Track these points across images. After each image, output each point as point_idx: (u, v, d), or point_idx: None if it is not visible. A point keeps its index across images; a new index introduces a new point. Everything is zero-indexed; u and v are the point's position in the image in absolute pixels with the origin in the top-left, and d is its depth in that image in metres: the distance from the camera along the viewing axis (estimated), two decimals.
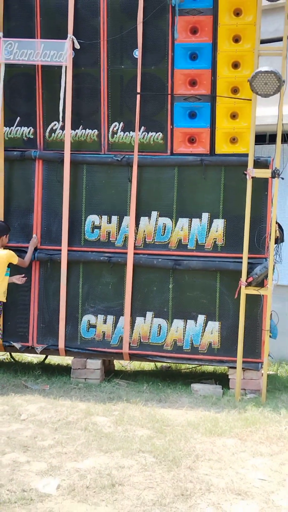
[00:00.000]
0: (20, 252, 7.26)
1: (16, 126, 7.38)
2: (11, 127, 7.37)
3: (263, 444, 5.33)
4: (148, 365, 8.22)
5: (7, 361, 8.22)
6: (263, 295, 6.75)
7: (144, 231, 7.12)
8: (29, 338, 7.33)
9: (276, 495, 4.37)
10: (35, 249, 7.32)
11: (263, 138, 7.33)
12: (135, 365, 8.20)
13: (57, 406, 6.26)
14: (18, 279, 7.00)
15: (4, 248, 6.97)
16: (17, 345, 7.34)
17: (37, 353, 7.52)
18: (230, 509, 4.12)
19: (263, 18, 6.93)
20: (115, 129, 7.17)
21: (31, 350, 7.40)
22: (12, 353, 8.03)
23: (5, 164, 7.30)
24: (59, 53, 7.00)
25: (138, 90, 6.98)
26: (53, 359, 8.26)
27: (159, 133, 7.06)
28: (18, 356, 8.28)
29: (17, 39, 7.09)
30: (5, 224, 7.14)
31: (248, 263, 6.71)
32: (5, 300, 6.89)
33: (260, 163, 6.74)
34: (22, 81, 7.31)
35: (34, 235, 7.22)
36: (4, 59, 7.08)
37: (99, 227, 7.24)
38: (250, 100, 6.68)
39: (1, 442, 5.22)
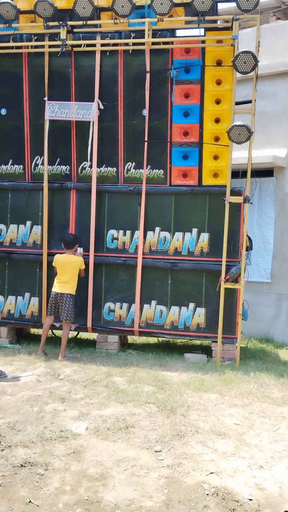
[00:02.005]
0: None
1: (57, 165, 7.39)
2: (53, 166, 7.38)
3: (237, 398, 5.39)
4: (152, 340, 8.19)
5: (50, 336, 8.24)
6: (237, 289, 6.81)
7: (150, 241, 7.14)
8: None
9: (247, 435, 4.47)
10: None
11: (237, 173, 7.38)
12: (143, 339, 8.20)
13: (86, 369, 6.30)
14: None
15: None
16: (57, 324, 7.33)
17: (71, 330, 7.43)
18: (213, 446, 4.22)
19: (237, 86, 7.00)
20: (128, 167, 7.20)
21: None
22: (54, 330, 8.02)
23: (48, 193, 7.32)
24: (88, 112, 7.06)
25: (146, 139, 7.03)
26: (83, 335, 8.27)
27: (161, 170, 7.09)
28: (58, 332, 8.24)
29: (58, 102, 7.15)
30: (75, 236, 7.11)
31: (226, 265, 6.76)
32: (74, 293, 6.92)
33: (235, 192, 6.78)
34: (61, 133, 7.29)
35: (79, 249, 7.17)
36: (49, 117, 7.15)
37: (117, 239, 7.26)
38: (228, 146, 6.73)
39: (45, 395, 5.29)
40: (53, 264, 6.94)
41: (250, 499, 3.46)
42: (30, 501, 3.38)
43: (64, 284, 6.82)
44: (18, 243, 7.48)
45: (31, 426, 4.49)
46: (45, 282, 7.32)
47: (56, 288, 6.84)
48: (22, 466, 3.80)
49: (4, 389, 5.49)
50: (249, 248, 7.09)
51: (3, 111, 7.45)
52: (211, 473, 3.78)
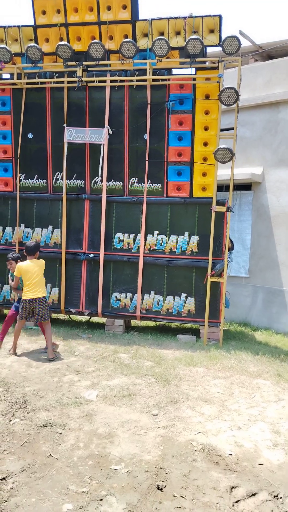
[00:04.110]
0: (75, 255, 7.33)
1: (73, 180, 7.37)
2: (71, 180, 7.37)
3: (220, 371, 5.43)
4: (151, 323, 8.21)
5: (67, 320, 8.30)
6: (221, 282, 6.81)
7: (150, 242, 7.13)
8: (80, 306, 7.34)
9: (228, 402, 4.49)
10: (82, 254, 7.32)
11: (222, 187, 7.38)
12: (143, 323, 8.23)
13: (96, 347, 6.32)
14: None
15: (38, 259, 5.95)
16: (73, 310, 7.36)
17: (84, 315, 7.52)
18: (200, 410, 4.25)
19: (222, 116, 7.03)
20: (132, 182, 7.18)
21: (81, 313, 7.42)
22: (70, 315, 8.04)
23: (66, 202, 7.32)
24: (100, 136, 7.06)
25: (147, 159, 7.04)
26: (94, 319, 8.28)
27: (159, 184, 7.07)
28: (73, 317, 8.32)
29: (75, 128, 7.15)
30: (37, 244, 5.98)
31: (212, 262, 6.76)
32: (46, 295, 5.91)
33: (219, 203, 6.76)
34: (77, 153, 7.29)
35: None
36: (67, 140, 7.15)
37: (122, 240, 7.24)
38: (214, 165, 6.72)
39: (64, 368, 5.32)
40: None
41: (231, 454, 3.47)
42: (50, 454, 3.39)
43: (35, 289, 5.73)
44: (42, 243, 7.46)
45: (51, 393, 4.51)
46: (63, 275, 7.31)
47: (29, 295, 5.71)
48: (44, 426, 3.81)
49: (30, 363, 5.51)
50: (231, 249, 7.08)
51: (30, 135, 7.46)
52: (199, 432, 3.80)
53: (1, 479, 3.05)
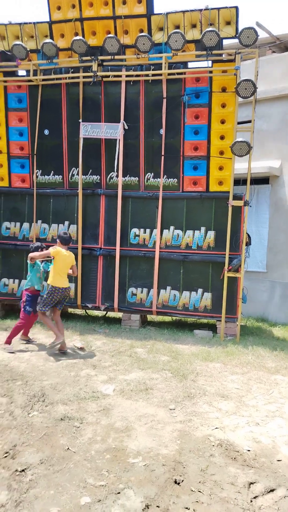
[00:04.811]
0: (91, 250, 7.37)
1: (89, 175, 7.38)
2: (86, 176, 7.38)
3: (237, 367, 5.39)
4: (167, 318, 8.20)
5: (83, 315, 8.35)
6: (238, 277, 6.74)
7: (165, 238, 7.10)
8: (97, 301, 7.38)
9: (245, 398, 4.46)
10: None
11: (239, 181, 7.30)
12: (159, 318, 8.22)
13: (113, 342, 6.34)
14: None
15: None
16: (89, 305, 7.40)
17: (101, 310, 7.54)
18: (217, 406, 4.23)
19: (239, 108, 6.94)
20: (148, 177, 7.16)
21: (97, 308, 7.45)
22: (87, 310, 8.06)
23: (82, 198, 7.35)
24: (115, 131, 7.05)
25: (162, 154, 7.00)
26: (110, 314, 8.30)
27: (175, 179, 7.04)
28: (90, 312, 8.35)
29: (90, 123, 7.15)
30: (70, 235, 6.03)
31: (229, 257, 6.70)
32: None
33: (236, 197, 6.71)
34: (93, 149, 7.29)
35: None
36: (83, 135, 7.16)
37: (138, 236, 7.23)
38: (231, 158, 6.67)
39: (80, 362, 5.35)
40: (52, 254, 5.73)
41: (249, 450, 3.45)
42: (68, 448, 3.42)
43: (66, 278, 5.86)
44: None
45: (69, 387, 4.55)
46: (80, 270, 7.33)
47: (63, 283, 5.77)
48: (61, 419, 3.85)
49: (48, 357, 5.56)
50: (248, 244, 7.02)
51: (46, 132, 7.49)
52: (216, 428, 3.78)
53: (20, 471, 3.09)
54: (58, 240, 5.94)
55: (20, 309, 6.06)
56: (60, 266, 5.78)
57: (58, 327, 5.83)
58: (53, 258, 5.80)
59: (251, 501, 2.86)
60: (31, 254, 5.91)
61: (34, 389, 4.46)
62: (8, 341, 5.82)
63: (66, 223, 7.51)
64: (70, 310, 8.49)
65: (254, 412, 4.12)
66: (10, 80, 7.49)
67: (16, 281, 7.74)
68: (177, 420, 3.90)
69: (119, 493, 2.88)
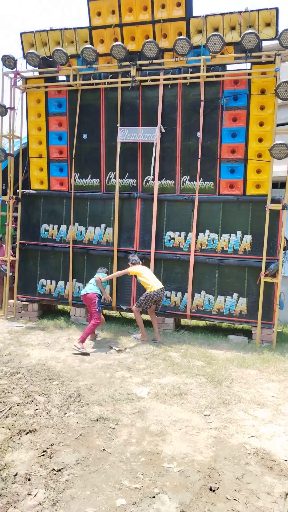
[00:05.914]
0: (127, 253, 7.40)
1: (126, 179, 7.46)
2: (123, 179, 7.46)
3: (274, 375, 5.30)
4: (201, 323, 8.15)
5: (117, 316, 8.41)
6: (275, 282, 6.64)
7: (201, 241, 7.07)
8: (131, 303, 7.42)
9: (283, 406, 4.37)
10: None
11: (277, 185, 7.16)
12: (193, 322, 8.18)
13: (147, 345, 6.36)
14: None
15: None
16: (124, 307, 7.46)
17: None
18: (253, 413, 4.16)
19: (278, 110, 6.83)
20: (184, 180, 7.15)
21: (131, 311, 7.33)
22: (121, 312, 8.13)
23: (119, 201, 7.43)
24: (152, 135, 7.08)
25: (199, 156, 6.98)
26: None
27: (211, 182, 7.01)
28: (124, 314, 8.40)
29: (128, 127, 7.22)
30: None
31: (266, 262, 6.60)
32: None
33: (274, 200, 6.61)
34: (130, 153, 7.36)
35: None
36: (120, 140, 7.24)
37: (173, 239, 7.23)
38: (269, 161, 6.57)
39: (115, 364, 5.40)
40: (131, 272, 6.67)
41: (285, 460, 3.37)
42: (104, 449, 3.46)
43: (158, 281, 6.72)
44: (94, 241, 7.63)
45: (104, 389, 4.60)
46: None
47: (156, 286, 6.56)
48: (97, 420, 3.89)
49: (83, 358, 5.65)
50: (286, 248, 6.88)
51: (85, 136, 7.62)
52: (252, 436, 3.72)
53: (57, 471, 3.15)
54: (129, 263, 6.79)
55: (90, 311, 6.47)
56: (146, 276, 6.59)
57: (154, 323, 6.73)
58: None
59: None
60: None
61: (70, 389, 4.55)
62: (82, 340, 6.04)
63: (103, 226, 7.61)
64: (105, 311, 8.57)
65: None
66: (51, 85, 7.69)
67: (53, 282, 7.90)
68: (212, 426, 3.86)
69: (154, 497, 2.89)
